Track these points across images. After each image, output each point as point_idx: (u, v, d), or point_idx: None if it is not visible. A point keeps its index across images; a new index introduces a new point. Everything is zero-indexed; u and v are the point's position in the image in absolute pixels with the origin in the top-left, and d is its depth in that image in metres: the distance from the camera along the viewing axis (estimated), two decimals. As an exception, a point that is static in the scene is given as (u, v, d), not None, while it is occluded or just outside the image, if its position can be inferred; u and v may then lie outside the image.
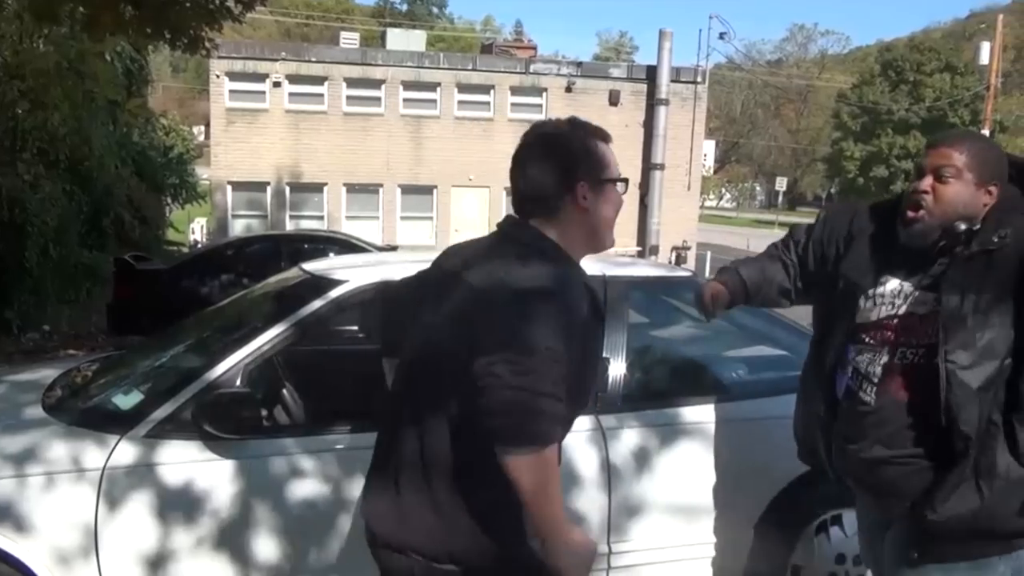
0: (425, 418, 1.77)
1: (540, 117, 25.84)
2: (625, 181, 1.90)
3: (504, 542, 1.75)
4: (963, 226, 2.01)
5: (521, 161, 1.85)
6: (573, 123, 1.88)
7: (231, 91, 22.36)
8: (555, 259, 1.79)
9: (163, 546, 2.47)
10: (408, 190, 23.72)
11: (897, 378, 2.09)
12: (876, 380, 2.11)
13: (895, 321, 2.10)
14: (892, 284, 2.14)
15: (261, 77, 22.33)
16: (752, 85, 57.64)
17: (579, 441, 2.78)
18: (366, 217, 23.17)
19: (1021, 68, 67.17)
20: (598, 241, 1.89)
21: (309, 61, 22.86)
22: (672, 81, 23.67)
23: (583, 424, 2.81)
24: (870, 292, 2.15)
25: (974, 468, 1.94)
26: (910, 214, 2.05)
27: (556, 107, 23.87)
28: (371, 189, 23.50)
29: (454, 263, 1.89)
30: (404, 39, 26.41)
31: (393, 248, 15.26)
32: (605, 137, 1.90)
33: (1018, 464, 1.92)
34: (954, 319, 1.97)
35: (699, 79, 24.97)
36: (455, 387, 1.70)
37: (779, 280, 2.44)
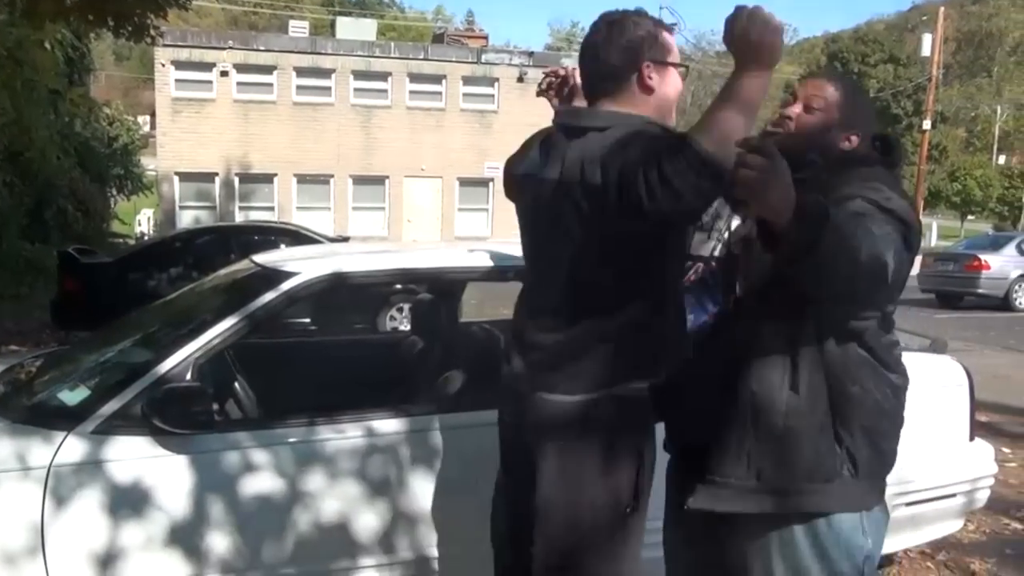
0: None
1: (492, 107, 25.99)
2: (686, 67, 2.12)
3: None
4: (813, 157, 1.93)
5: (591, 44, 2.03)
6: (639, 12, 2.06)
7: (177, 80, 21.97)
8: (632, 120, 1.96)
9: (113, 544, 2.43)
10: (360, 180, 23.54)
11: None
12: None
13: None
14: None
15: (208, 66, 21.96)
16: (702, 76, 58.22)
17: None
18: (317, 208, 22.96)
19: (961, 60, 68.87)
20: (664, 117, 2.04)
21: (257, 50, 22.55)
22: (623, 71, 23.83)
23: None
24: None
25: None
26: (770, 127, 1.99)
27: (508, 97, 23.86)
28: (322, 180, 23.28)
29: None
30: (354, 28, 26.18)
31: (345, 239, 15.14)
32: (669, 28, 2.08)
33: None
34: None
35: (650, 69, 25.15)
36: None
37: None
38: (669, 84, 2.04)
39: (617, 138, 1.91)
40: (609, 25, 2.01)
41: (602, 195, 1.87)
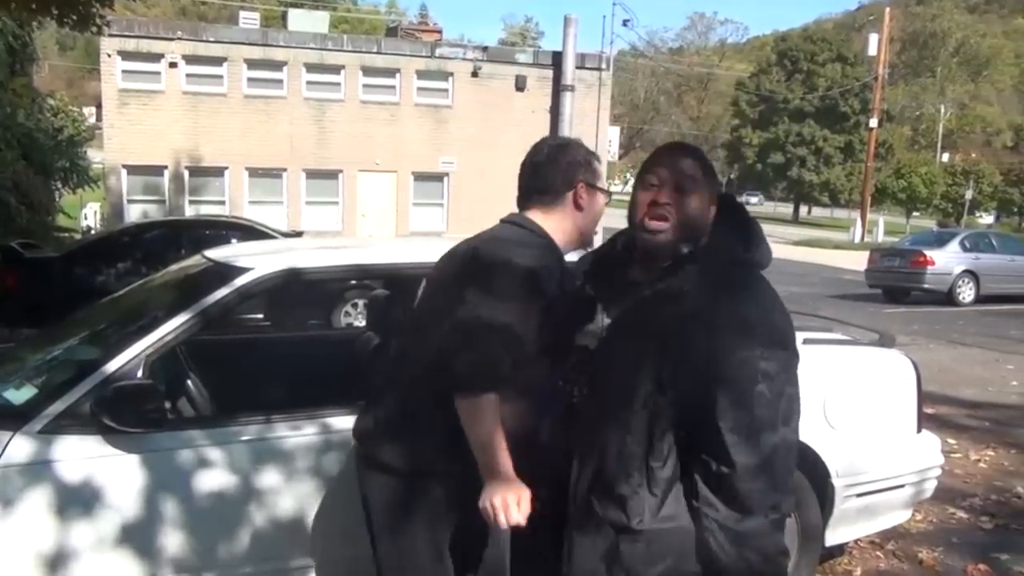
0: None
1: (447, 101, 25.90)
2: (610, 194, 2.35)
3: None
4: (685, 248, 1.84)
5: (532, 162, 2.27)
6: (577, 142, 2.35)
7: (124, 71, 21.50)
8: (537, 241, 2.16)
9: (63, 545, 2.37)
10: (313, 174, 23.29)
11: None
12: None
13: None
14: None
15: (156, 57, 21.53)
16: (655, 72, 58.76)
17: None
18: (270, 202, 22.66)
19: (906, 60, 70.37)
20: (585, 235, 2.30)
21: (207, 41, 22.16)
22: (577, 67, 23.89)
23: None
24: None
25: None
26: (647, 226, 1.82)
27: (463, 91, 23.79)
28: (274, 173, 22.99)
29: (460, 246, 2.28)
30: (306, 20, 25.88)
31: (299, 234, 14.97)
32: (598, 158, 2.37)
33: None
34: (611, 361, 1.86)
35: (603, 66, 25.27)
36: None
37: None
38: (596, 204, 2.28)
39: (489, 270, 2.05)
40: (553, 148, 2.28)
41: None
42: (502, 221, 2.27)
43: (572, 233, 2.26)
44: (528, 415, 2.05)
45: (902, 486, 3.53)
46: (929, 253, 15.99)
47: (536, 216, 2.23)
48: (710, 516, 1.71)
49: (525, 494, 1.91)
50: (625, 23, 30.63)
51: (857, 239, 33.56)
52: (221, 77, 22.25)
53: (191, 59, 21.91)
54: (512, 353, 1.95)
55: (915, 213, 43.45)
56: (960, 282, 16.00)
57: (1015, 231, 38.38)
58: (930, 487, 3.70)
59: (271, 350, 4.09)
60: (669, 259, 1.82)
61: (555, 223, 2.23)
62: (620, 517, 1.76)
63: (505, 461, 1.92)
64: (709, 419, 1.69)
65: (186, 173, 22.29)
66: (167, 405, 2.89)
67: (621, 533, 1.76)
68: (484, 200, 23.04)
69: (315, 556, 2.67)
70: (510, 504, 1.88)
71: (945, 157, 56.38)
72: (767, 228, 2.27)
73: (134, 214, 21.37)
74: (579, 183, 2.23)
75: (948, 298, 15.85)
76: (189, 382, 3.30)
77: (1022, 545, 4.15)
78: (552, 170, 2.24)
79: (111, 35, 17.98)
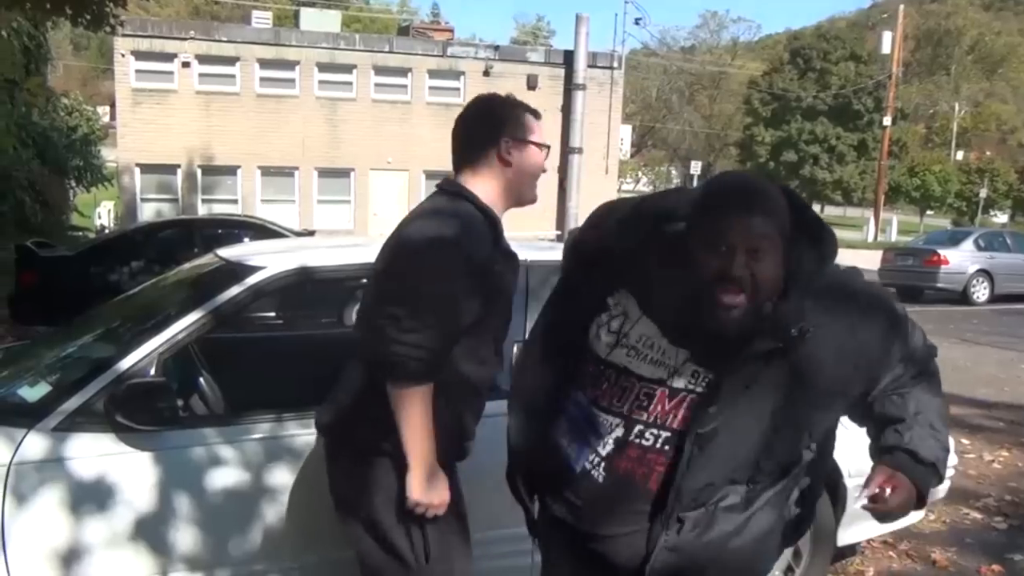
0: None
1: (458, 100, 26.02)
2: (547, 147, 2.23)
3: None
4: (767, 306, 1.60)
5: (456, 123, 2.22)
6: (502, 97, 2.26)
7: (137, 71, 21.61)
8: (462, 206, 2.09)
9: (76, 542, 2.38)
10: (325, 173, 23.36)
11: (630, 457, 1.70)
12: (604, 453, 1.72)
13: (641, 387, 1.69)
14: (644, 327, 1.71)
15: (169, 56, 21.64)
16: (667, 71, 58.50)
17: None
18: (282, 201, 22.75)
19: (920, 58, 69.96)
20: (519, 193, 2.21)
21: (220, 41, 22.26)
22: (589, 66, 23.86)
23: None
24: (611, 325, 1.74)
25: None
26: (726, 299, 1.55)
27: (474, 91, 23.70)
28: (287, 172, 23.06)
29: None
30: (318, 19, 25.95)
31: (310, 233, 15.01)
32: (534, 112, 2.25)
33: None
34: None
35: (615, 64, 25.24)
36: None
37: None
38: (527, 159, 2.19)
39: (406, 252, 2.04)
40: (475, 105, 2.24)
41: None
42: (436, 187, 2.22)
43: (503, 192, 2.18)
44: (469, 392, 2.12)
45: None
46: (943, 252, 15.91)
47: (467, 178, 2.17)
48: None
49: (444, 483, 2.00)
50: (637, 22, 30.62)
51: (870, 238, 33.39)
52: (234, 76, 22.34)
53: (204, 59, 22.02)
54: (434, 341, 1.93)
55: (929, 212, 43.21)
56: (974, 281, 15.91)
57: (1030, 230, 38.09)
58: (943, 487, 3.67)
59: (283, 348, 4.10)
60: (738, 335, 1.58)
61: (484, 183, 2.15)
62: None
63: (428, 450, 1.98)
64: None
65: (199, 172, 22.40)
66: (179, 403, 2.90)
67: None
68: (496, 199, 23.05)
69: (327, 553, 2.67)
70: (432, 496, 1.98)
71: (959, 155, 56.04)
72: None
73: (147, 213, 21.48)
74: (502, 139, 2.15)
75: (962, 297, 15.76)
76: (201, 380, 3.31)
77: (1036, 546, 4.13)
78: (475, 129, 2.18)
79: (125, 35, 18.08)
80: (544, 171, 2.26)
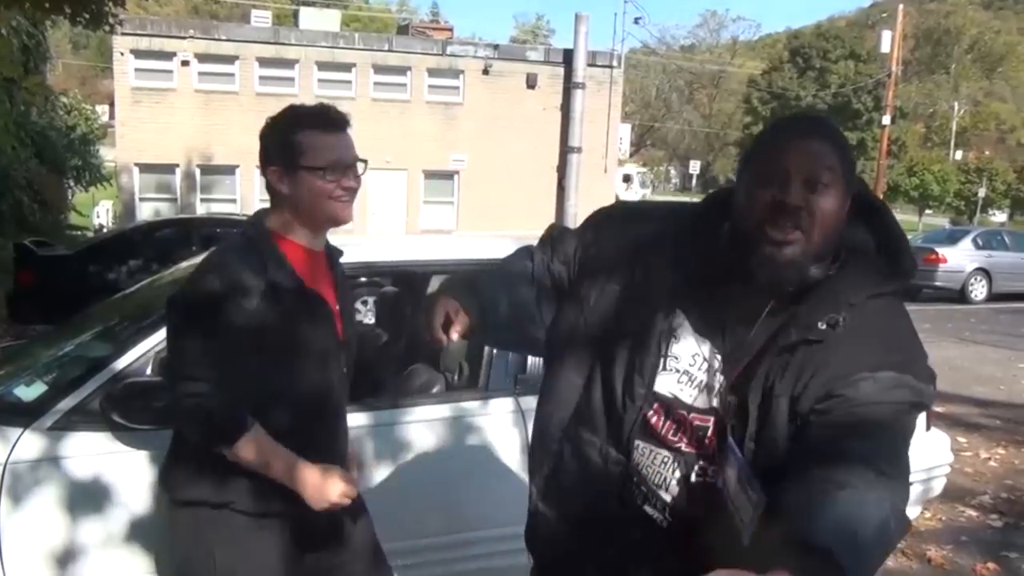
0: None
1: (458, 99, 25.92)
2: (322, 170, 1.88)
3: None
4: (815, 271, 1.36)
5: None
6: (286, 114, 1.95)
7: (136, 69, 21.60)
8: (237, 244, 1.94)
9: (72, 542, 2.39)
10: (323, 173, 23.37)
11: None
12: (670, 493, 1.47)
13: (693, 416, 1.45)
14: (687, 344, 1.45)
15: (168, 55, 21.62)
16: (666, 70, 58.52)
17: (501, 424, 2.80)
18: (281, 200, 22.75)
19: (920, 57, 69.94)
20: (312, 220, 1.95)
21: (219, 40, 22.24)
22: (588, 65, 23.84)
23: (505, 407, 2.83)
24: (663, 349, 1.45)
25: None
26: (779, 236, 1.31)
27: (474, 89, 23.79)
28: (285, 172, 23.07)
29: None
30: (318, 18, 25.95)
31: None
32: (323, 125, 1.93)
33: None
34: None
35: (614, 63, 25.22)
36: None
37: (530, 313, 1.64)
38: (302, 186, 1.89)
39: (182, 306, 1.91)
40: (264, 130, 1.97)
41: None
42: None
43: (293, 222, 1.95)
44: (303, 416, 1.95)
45: (911, 484, 3.52)
46: (941, 251, 15.92)
47: (267, 212, 2.00)
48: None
49: (331, 473, 1.88)
50: (636, 20, 30.54)
51: (869, 237, 33.32)
52: (233, 75, 22.33)
53: (203, 57, 22.00)
54: (234, 391, 1.80)
55: (927, 211, 43.19)
56: (972, 280, 15.93)
57: (1029, 229, 38.10)
58: (939, 485, 3.68)
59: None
60: (792, 284, 1.35)
61: (275, 213, 1.96)
62: None
63: (294, 467, 1.85)
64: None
65: (198, 171, 22.38)
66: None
67: None
68: (494, 198, 23.06)
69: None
70: (330, 489, 1.87)
71: (959, 155, 55.98)
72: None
73: (146, 212, 21.47)
74: (270, 169, 1.91)
75: (960, 296, 15.77)
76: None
77: (1032, 544, 4.14)
78: (261, 155, 1.95)
79: (124, 34, 18.06)
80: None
